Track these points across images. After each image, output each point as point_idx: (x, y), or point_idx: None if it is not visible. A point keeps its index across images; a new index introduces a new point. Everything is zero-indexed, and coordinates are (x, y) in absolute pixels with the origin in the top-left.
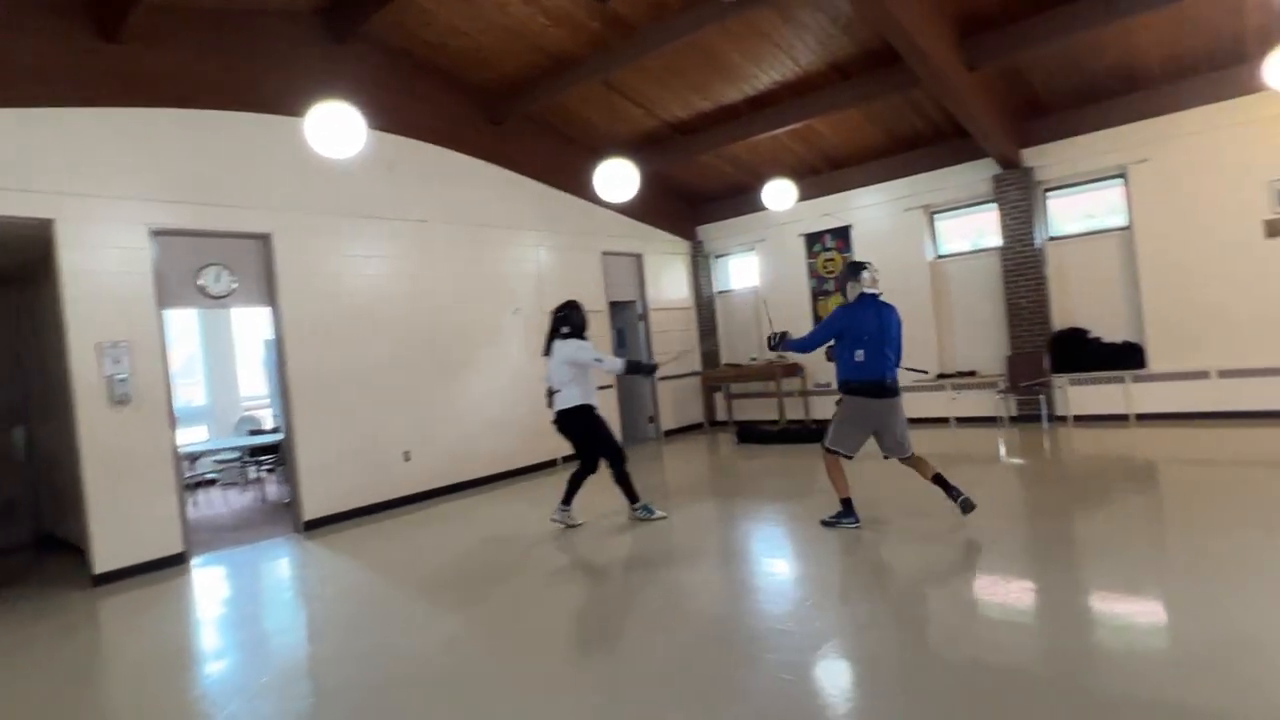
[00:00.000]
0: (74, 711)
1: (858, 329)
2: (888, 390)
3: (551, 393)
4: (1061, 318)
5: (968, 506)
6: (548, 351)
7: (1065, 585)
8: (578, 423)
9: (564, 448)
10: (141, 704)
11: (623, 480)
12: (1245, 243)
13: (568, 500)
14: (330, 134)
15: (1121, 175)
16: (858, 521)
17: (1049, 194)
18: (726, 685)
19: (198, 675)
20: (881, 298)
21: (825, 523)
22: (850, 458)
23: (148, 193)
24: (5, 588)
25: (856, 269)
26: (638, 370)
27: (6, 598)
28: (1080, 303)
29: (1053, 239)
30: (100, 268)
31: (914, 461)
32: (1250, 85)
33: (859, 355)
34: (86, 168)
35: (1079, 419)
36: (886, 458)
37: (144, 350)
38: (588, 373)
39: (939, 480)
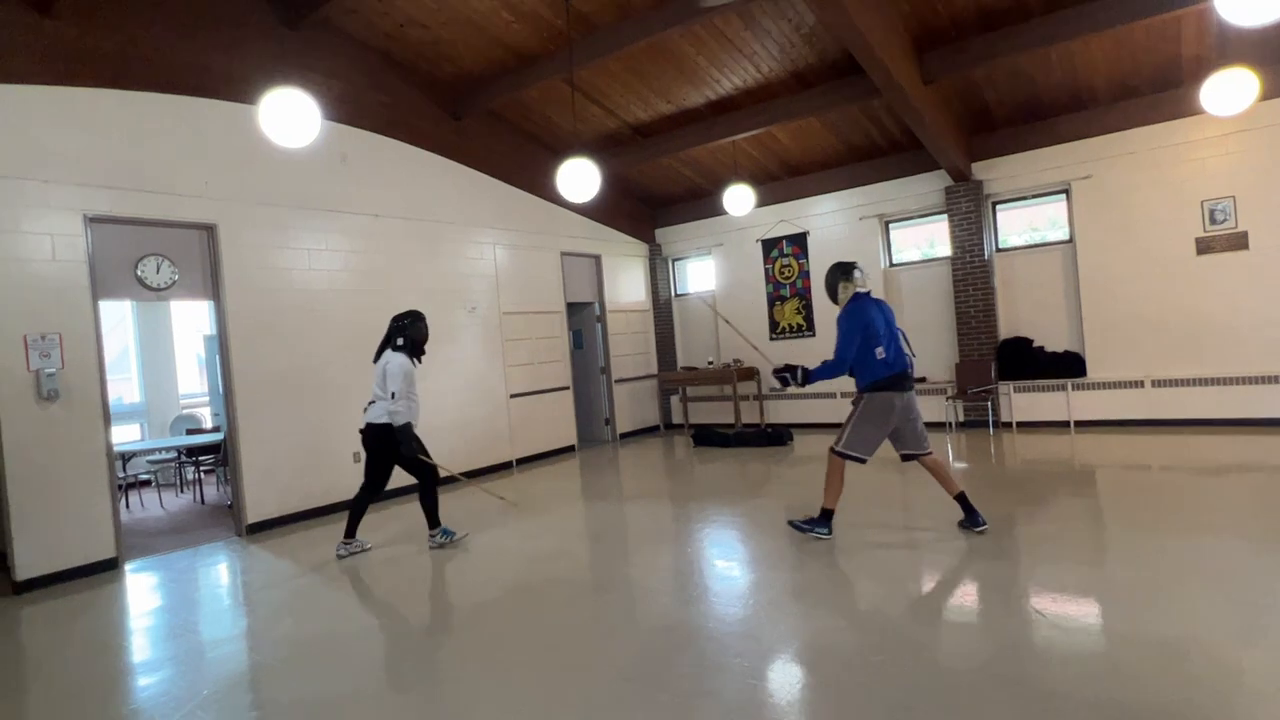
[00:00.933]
0: None
1: (873, 327)
2: (910, 382)
3: (370, 402)
4: (1008, 327)
5: (980, 527)
6: (377, 358)
7: (1009, 586)
8: (388, 441)
9: (520, 449)
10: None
11: (430, 502)
12: (1179, 258)
13: (351, 532)
14: (283, 122)
15: (1065, 191)
16: (830, 533)
17: (998, 207)
18: (693, 689)
19: (131, 689)
20: (873, 294)
21: (796, 526)
22: (865, 461)
23: (85, 177)
24: None
25: (848, 269)
26: (403, 437)
27: None
28: (1025, 312)
29: (1000, 250)
30: (30, 254)
31: (937, 466)
32: (1188, 108)
33: (880, 353)
34: (18, 148)
35: (1022, 425)
36: (906, 458)
37: (76, 343)
38: (413, 391)
39: (962, 499)
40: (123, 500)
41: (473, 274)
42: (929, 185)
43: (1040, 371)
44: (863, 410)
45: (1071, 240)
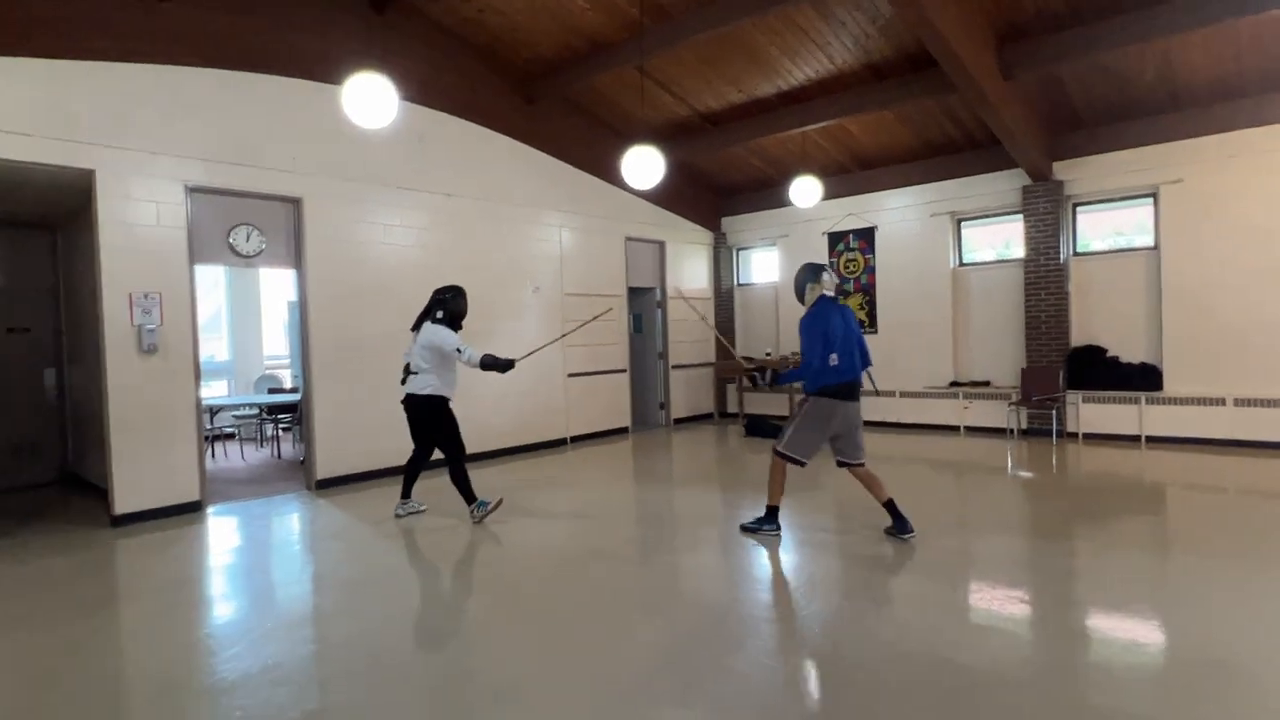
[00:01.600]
0: (88, 642)
1: (833, 332)
2: (858, 392)
3: (408, 371)
4: (1080, 334)
5: (907, 533)
6: (416, 328)
7: (1057, 599)
8: (426, 412)
9: (575, 427)
10: (155, 638)
11: (460, 479)
12: (1272, 270)
13: (407, 493)
14: (365, 104)
15: (1153, 195)
16: (778, 529)
17: (1078, 208)
18: (715, 668)
19: (207, 616)
20: (839, 300)
21: (745, 528)
22: (804, 464)
23: (187, 150)
24: (27, 523)
25: (817, 271)
26: (493, 366)
27: (28, 533)
28: (1100, 320)
29: (1078, 254)
30: (137, 220)
31: (867, 476)
32: None
33: (833, 359)
34: (129, 122)
35: (1089, 436)
36: (840, 465)
37: (174, 303)
38: (451, 364)
39: (890, 507)
40: (209, 450)
41: (538, 255)
42: (1006, 184)
43: (1112, 382)
44: (806, 413)
45: (1156, 247)
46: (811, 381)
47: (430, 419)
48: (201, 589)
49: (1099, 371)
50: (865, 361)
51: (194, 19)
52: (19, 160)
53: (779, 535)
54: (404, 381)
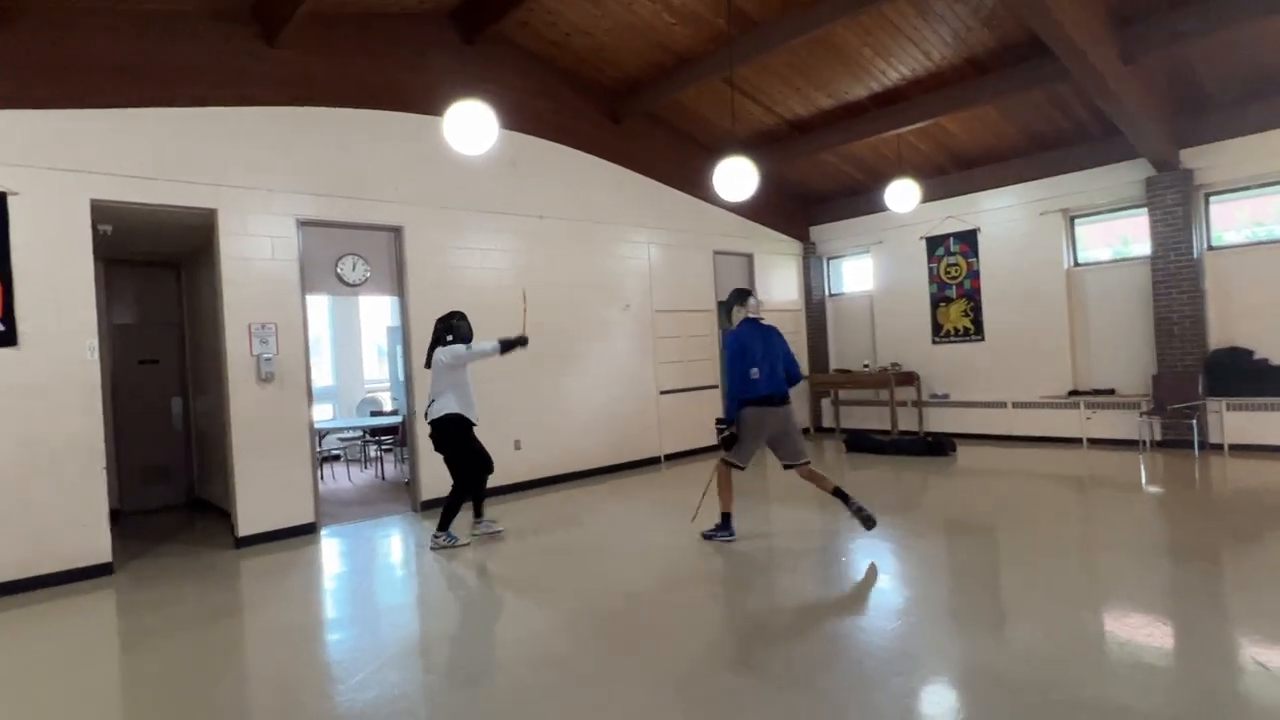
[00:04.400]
0: (219, 662)
1: (751, 349)
2: (780, 399)
3: (431, 402)
4: (1220, 335)
5: (869, 523)
6: (429, 364)
7: (1212, 630)
8: (450, 432)
9: (668, 445)
10: (282, 663)
11: (452, 503)
12: None
13: (479, 512)
14: (466, 131)
15: None
16: (733, 536)
17: (1211, 199)
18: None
19: (331, 639)
20: (763, 321)
21: (706, 535)
22: (744, 468)
23: (297, 186)
24: (161, 544)
25: (744, 295)
26: (511, 344)
27: (162, 553)
28: (1243, 320)
29: (1213, 248)
30: (254, 254)
31: (811, 474)
32: None
33: (754, 373)
34: (245, 162)
35: (1236, 448)
36: (786, 468)
37: (287, 332)
38: (466, 382)
39: (839, 493)
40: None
41: (627, 272)
42: (1125, 175)
43: (1263, 388)
44: (739, 425)
45: None
46: (737, 395)
47: (454, 438)
48: (322, 611)
49: (1246, 376)
50: (794, 376)
51: (300, 63)
52: (149, 202)
53: (734, 539)
54: (426, 416)
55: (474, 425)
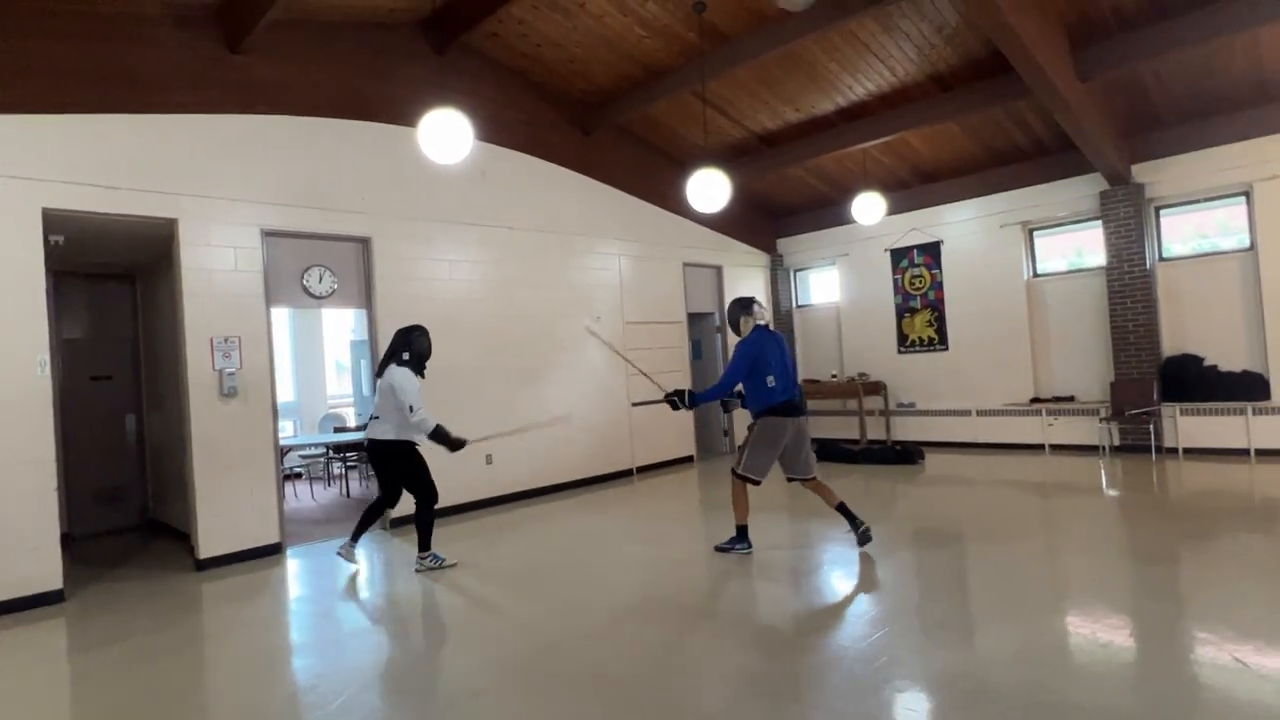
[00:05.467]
0: (182, 697)
1: (766, 358)
2: (800, 408)
3: (374, 417)
4: (1172, 343)
5: (865, 538)
6: (380, 374)
7: (1187, 628)
8: (391, 458)
9: (640, 457)
10: (253, 693)
11: (423, 524)
12: None
13: (356, 536)
14: (441, 140)
15: (1245, 193)
16: (750, 548)
17: (1161, 211)
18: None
19: (305, 664)
20: (771, 327)
21: (719, 548)
22: (760, 483)
23: (261, 195)
24: (115, 568)
25: (748, 304)
26: (442, 440)
27: (118, 577)
28: (1193, 328)
29: (1164, 259)
30: (217, 265)
31: (819, 486)
32: None
33: (770, 381)
34: (207, 171)
35: (1190, 452)
36: (791, 480)
37: (252, 346)
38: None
39: (842, 509)
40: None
41: (598, 284)
42: (1081, 189)
43: (1213, 393)
44: (758, 434)
45: (1252, 247)
46: (754, 403)
47: (396, 464)
48: (294, 635)
49: (1197, 382)
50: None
51: (267, 70)
52: (106, 212)
53: (751, 551)
54: (365, 426)
55: (416, 445)
